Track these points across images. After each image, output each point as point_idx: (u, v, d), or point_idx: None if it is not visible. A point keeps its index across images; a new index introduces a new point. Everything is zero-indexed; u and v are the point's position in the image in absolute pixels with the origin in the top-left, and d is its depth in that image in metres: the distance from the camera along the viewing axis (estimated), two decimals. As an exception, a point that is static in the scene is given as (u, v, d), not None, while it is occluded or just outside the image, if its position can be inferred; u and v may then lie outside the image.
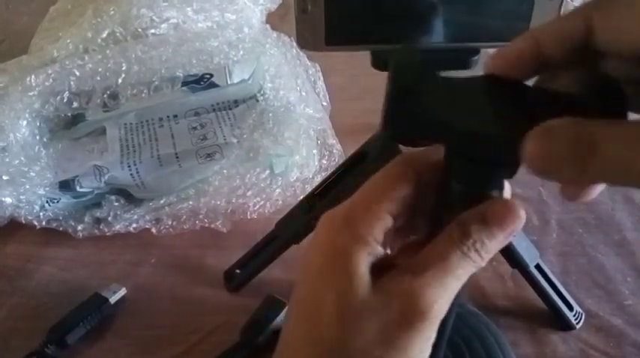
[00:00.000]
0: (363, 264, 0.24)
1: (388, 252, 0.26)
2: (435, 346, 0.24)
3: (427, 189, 0.26)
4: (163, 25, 0.61)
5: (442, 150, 0.24)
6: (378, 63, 0.35)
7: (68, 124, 0.63)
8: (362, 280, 0.24)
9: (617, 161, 0.18)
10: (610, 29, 0.20)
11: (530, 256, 0.46)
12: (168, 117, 0.63)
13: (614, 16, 0.20)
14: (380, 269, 0.24)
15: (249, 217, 0.56)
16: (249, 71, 0.66)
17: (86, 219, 0.56)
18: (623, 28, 0.20)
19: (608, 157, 0.18)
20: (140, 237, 0.56)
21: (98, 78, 0.57)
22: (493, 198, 0.24)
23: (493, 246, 0.25)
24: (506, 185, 0.25)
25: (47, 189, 0.55)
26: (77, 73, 0.56)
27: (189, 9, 0.62)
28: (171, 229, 0.56)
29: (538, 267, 0.47)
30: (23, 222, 0.55)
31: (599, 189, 0.23)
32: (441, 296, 0.23)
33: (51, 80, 0.56)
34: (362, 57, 0.36)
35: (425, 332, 0.23)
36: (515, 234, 0.25)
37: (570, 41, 0.22)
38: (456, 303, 0.25)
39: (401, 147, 0.43)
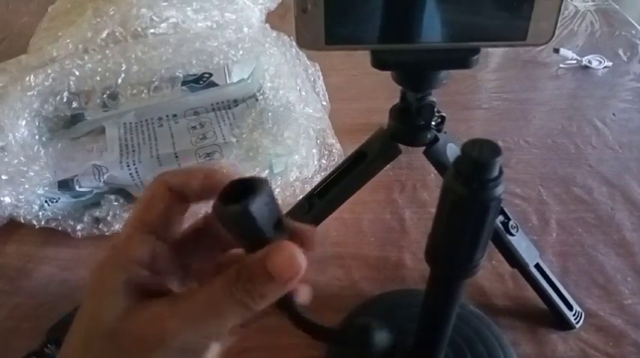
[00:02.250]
0: (117, 287, 0.24)
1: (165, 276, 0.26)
2: (437, 348, 0.24)
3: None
4: (163, 25, 0.61)
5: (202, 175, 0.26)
6: (378, 62, 0.35)
7: (67, 124, 0.63)
8: (113, 302, 0.24)
9: None
10: None
11: (530, 256, 0.46)
12: (167, 116, 0.63)
13: None
14: (152, 294, 0.25)
15: (248, 217, 0.56)
16: (248, 70, 0.66)
17: (85, 218, 0.56)
18: None
19: None
20: (139, 237, 0.56)
21: (98, 78, 0.57)
22: (275, 243, 0.24)
23: (269, 293, 0.24)
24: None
25: (46, 188, 0.55)
26: (77, 73, 0.56)
27: (188, 9, 0.62)
28: (170, 229, 0.56)
29: (538, 266, 0.47)
30: (22, 221, 0.55)
31: None
32: (190, 330, 0.23)
33: (50, 80, 0.56)
34: (362, 57, 0.36)
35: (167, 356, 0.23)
36: (293, 282, 0.24)
37: None
38: (458, 303, 0.25)
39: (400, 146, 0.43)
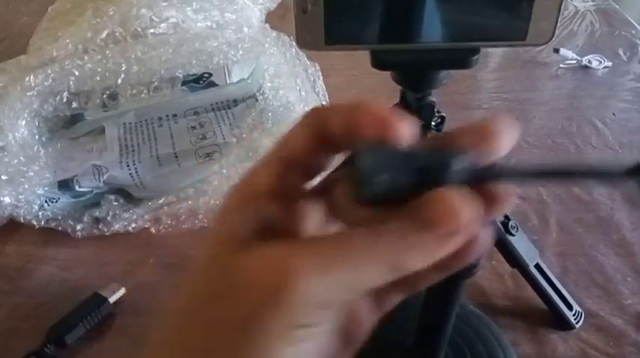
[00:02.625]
0: (238, 223, 0.20)
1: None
2: (437, 348, 0.24)
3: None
4: (163, 25, 0.61)
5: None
6: (378, 62, 0.35)
7: (67, 124, 0.63)
8: (232, 241, 0.20)
9: None
10: None
11: (530, 256, 0.46)
12: (167, 116, 0.63)
13: None
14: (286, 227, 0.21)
15: (248, 217, 0.56)
16: (248, 70, 0.66)
17: (85, 218, 0.56)
18: None
19: None
20: (139, 237, 0.56)
21: (97, 78, 0.57)
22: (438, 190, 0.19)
23: (421, 248, 0.19)
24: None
25: (46, 188, 0.55)
26: (76, 73, 0.56)
27: (188, 9, 0.62)
28: (170, 229, 0.56)
29: (538, 266, 0.47)
30: (22, 221, 0.55)
31: None
32: (316, 275, 0.18)
33: (50, 80, 0.56)
34: (361, 57, 0.36)
35: (285, 313, 0.18)
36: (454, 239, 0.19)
37: None
38: (458, 303, 0.25)
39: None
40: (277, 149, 0.22)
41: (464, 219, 0.18)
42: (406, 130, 0.19)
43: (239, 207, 0.21)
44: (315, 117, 0.22)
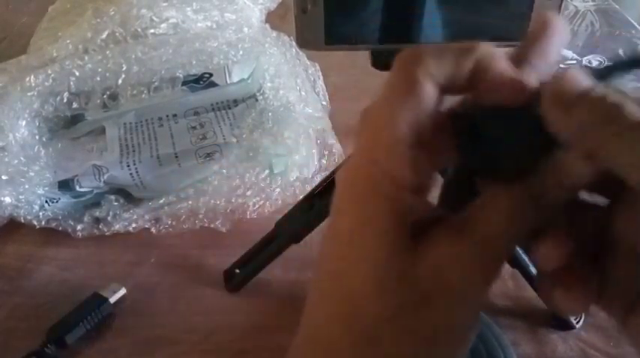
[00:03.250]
0: (396, 227, 0.20)
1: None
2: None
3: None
4: (163, 25, 0.61)
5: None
6: (378, 63, 0.35)
7: (67, 124, 0.63)
8: (398, 246, 0.20)
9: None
10: None
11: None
12: (167, 116, 0.63)
13: None
14: (423, 220, 0.21)
15: (248, 217, 0.56)
16: (248, 70, 0.66)
17: (85, 218, 0.56)
18: None
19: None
20: (139, 237, 0.56)
21: (98, 78, 0.57)
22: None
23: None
24: None
25: (46, 188, 0.55)
26: (77, 74, 0.56)
27: (188, 9, 0.62)
28: (170, 229, 0.56)
29: (538, 266, 0.47)
30: (22, 221, 0.55)
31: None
32: (502, 262, 0.21)
33: (50, 80, 0.56)
34: (361, 57, 0.36)
35: (479, 307, 0.21)
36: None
37: None
38: None
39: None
40: (400, 130, 0.20)
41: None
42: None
43: (380, 199, 0.20)
44: (430, 77, 0.20)
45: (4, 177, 0.53)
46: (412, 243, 0.20)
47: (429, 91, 0.20)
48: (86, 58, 0.57)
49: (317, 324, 0.22)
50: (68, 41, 0.59)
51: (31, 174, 0.54)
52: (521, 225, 0.20)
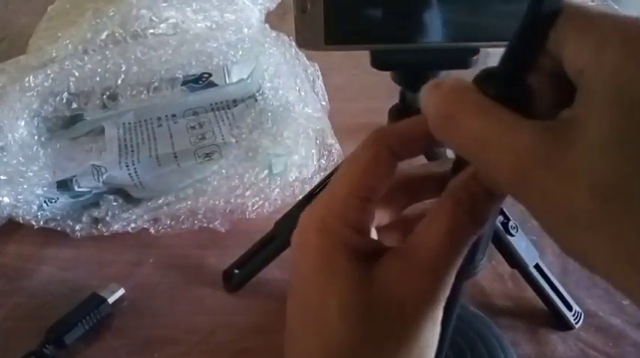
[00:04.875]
0: (354, 260, 0.23)
1: (374, 233, 0.25)
2: (438, 349, 0.24)
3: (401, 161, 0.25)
4: (162, 25, 0.61)
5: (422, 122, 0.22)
6: (378, 62, 0.35)
7: (66, 124, 0.63)
8: (357, 276, 0.23)
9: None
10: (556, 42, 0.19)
11: (530, 256, 0.46)
12: (166, 116, 0.63)
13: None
14: (371, 253, 0.23)
15: (247, 217, 0.56)
16: (247, 70, 0.66)
17: (84, 218, 0.56)
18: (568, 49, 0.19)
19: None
20: (139, 237, 0.56)
21: (97, 79, 0.57)
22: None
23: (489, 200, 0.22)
24: None
25: (45, 188, 0.55)
26: (76, 74, 0.56)
27: (188, 9, 0.62)
28: (169, 229, 0.56)
29: (537, 267, 0.47)
30: (21, 221, 0.55)
31: None
32: (447, 275, 0.22)
33: (50, 81, 0.56)
34: (361, 56, 0.36)
35: (433, 315, 0.22)
36: None
37: None
38: (458, 303, 0.25)
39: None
40: (355, 186, 0.24)
41: None
42: None
43: (336, 240, 0.23)
44: (386, 146, 0.24)
45: (2, 177, 0.53)
46: (366, 273, 0.23)
47: (385, 157, 0.24)
48: (86, 58, 0.57)
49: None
50: (68, 41, 0.59)
51: (30, 174, 0.54)
52: (460, 240, 0.22)
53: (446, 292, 0.23)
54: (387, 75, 0.37)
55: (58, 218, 0.56)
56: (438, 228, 0.22)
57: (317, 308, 0.23)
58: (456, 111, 0.20)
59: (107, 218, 0.56)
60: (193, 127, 0.62)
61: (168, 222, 0.56)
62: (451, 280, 0.23)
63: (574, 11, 0.19)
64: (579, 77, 0.18)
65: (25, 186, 0.54)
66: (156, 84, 0.60)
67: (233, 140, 0.59)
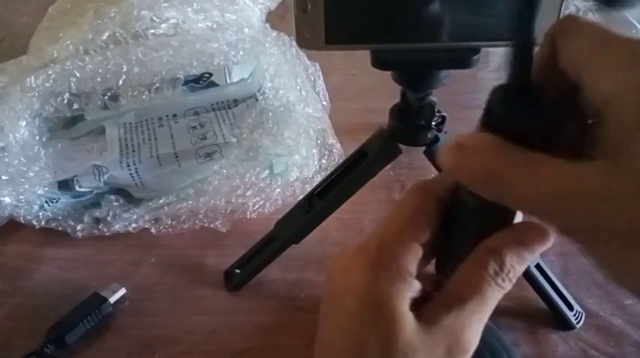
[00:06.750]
0: (404, 304, 0.24)
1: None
2: None
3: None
4: (163, 26, 0.61)
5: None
6: (378, 62, 0.35)
7: (67, 124, 0.63)
8: (405, 321, 0.23)
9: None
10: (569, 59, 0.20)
11: (531, 256, 0.46)
12: (167, 116, 0.63)
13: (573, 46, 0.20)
14: (416, 301, 0.24)
15: (248, 217, 0.56)
16: (248, 70, 0.66)
17: (85, 218, 0.56)
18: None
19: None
20: (139, 237, 0.56)
21: (98, 79, 0.57)
22: (522, 221, 0.25)
23: (521, 271, 0.25)
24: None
25: (46, 188, 0.55)
26: (77, 74, 0.56)
27: (189, 9, 0.62)
28: (170, 229, 0.56)
29: (538, 266, 0.47)
30: (22, 221, 0.55)
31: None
32: (479, 330, 0.25)
33: (51, 81, 0.56)
34: (362, 56, 0.36)
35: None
36: None
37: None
38: None
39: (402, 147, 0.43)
40: (404, 228, 0.25)
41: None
42: None
43: (397, 285, 0.24)
44: (433, 196, 0.25)
45: (4, 177, 0.53)
46: (414, 315, 0.24)
47: (433, 206, 0.25)
48: (87, 58, 0.57)
49: None
50: (69, 42, 0.59)
51: (31, 174, 0.54)
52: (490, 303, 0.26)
53: (475, 345, 0.26)
54: (386, 75, 0.37)
55: (59, 218, 0.56)
56: (474, 284, 0.25)
57: (359, 348, 0.24)
58: (503, 169, 0.20)
59: (108, 218, 0.56)
60: (194, 127, 0.62)
61: (169, 222, 0.56)
62: (479, 336, 0.26)
63: (597, 35, 0.19)
64: (609, 98, 0.19)
65: (27, 186, 0.54)
66: (157, 84, 0.60)
67: (234, 140, 0.59)
